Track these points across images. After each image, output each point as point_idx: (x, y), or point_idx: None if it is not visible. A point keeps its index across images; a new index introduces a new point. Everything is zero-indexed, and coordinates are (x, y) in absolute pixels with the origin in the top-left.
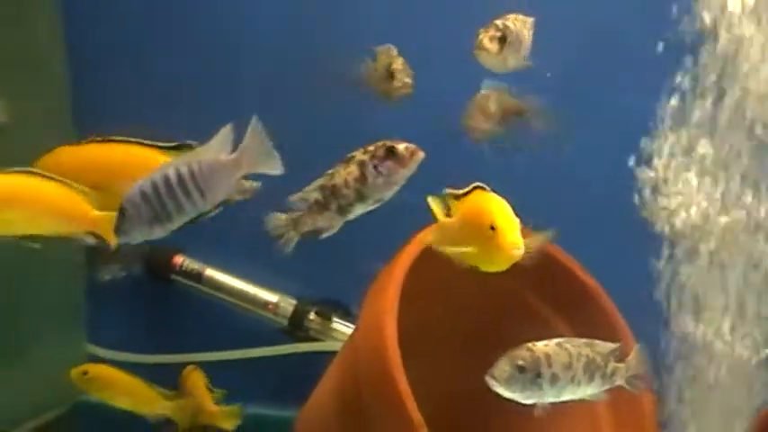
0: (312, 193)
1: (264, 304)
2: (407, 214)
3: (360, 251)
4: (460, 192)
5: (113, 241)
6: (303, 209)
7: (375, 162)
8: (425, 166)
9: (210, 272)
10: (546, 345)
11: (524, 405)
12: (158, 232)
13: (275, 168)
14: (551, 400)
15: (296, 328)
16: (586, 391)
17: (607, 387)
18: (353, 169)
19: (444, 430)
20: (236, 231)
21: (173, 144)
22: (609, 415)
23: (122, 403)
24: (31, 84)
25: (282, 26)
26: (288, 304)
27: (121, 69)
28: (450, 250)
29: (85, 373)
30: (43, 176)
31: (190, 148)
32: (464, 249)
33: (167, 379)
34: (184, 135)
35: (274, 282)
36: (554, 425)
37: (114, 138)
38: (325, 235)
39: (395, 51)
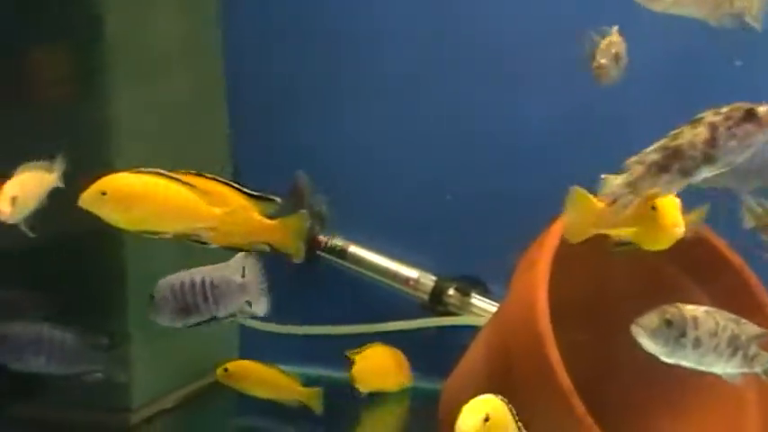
0: (651, 154)
1: (406, 280)
2: (545, 198)
3: (498, 231)
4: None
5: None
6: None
7: (730, 124)
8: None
9: (354, 248)
10: (695, 308)
11: (667, 385)
12: (178, 322)
13: (261, 309)
14: (690, 364)
15: (436, 302)
16: (726, 366)
17: (746, 370)
18: (702, 131)
19: (587, 405)
20: (379, 211)
21: (257, 194)
22: (758, 405)
23: (263, 393)
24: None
25: None
26: (428, 280)
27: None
28: (614, 231)
29: (226, 369)
30: (169, 177)
31: (271, 201)
32: (627, 230)
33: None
34: None
35: (415, 259)
36: (700, 406)
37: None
38: None
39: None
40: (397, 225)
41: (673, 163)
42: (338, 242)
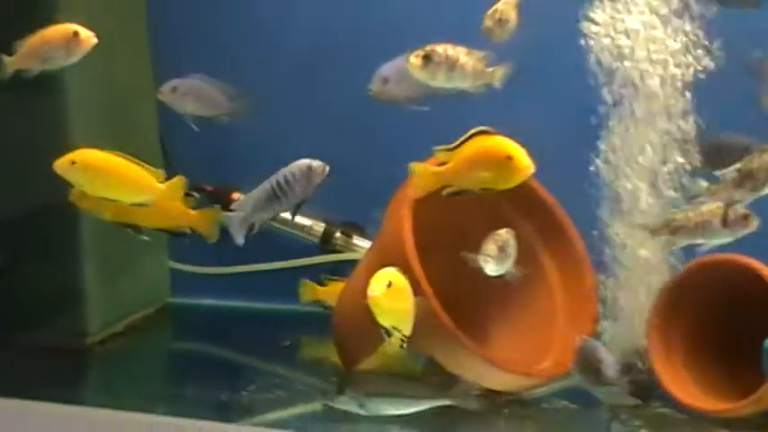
0: (731, 174)
1: (301, 227)
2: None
3: (372, 185)
4: (457, 142)
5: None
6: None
7: None
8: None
9: None
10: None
11: (501, 298)
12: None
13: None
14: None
15: (325, 243)
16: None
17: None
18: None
19: (444, 309)
20: None
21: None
22: (560, 287)
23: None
24: None
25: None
26: (319, 227)
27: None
28: (468, 180)
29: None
30: (124, 156)
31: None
32: (480, 178)
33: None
34: None
35: (308, 211)
36: (523, 315)
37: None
38: None
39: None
40: None
41: (746, 182)
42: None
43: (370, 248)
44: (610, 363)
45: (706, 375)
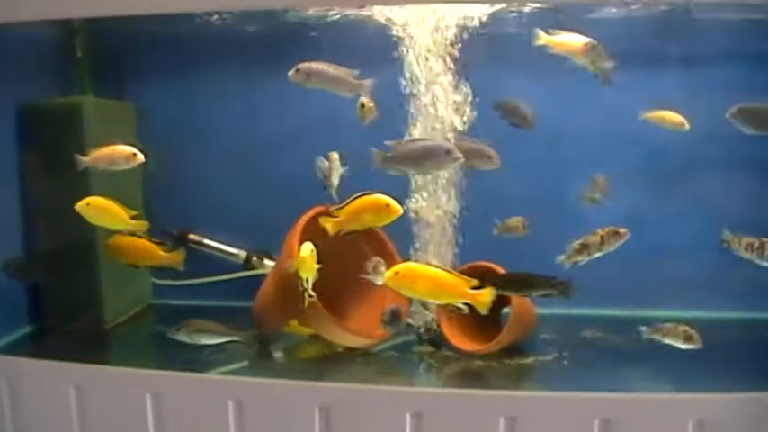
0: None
1: (230, 253)
2: (301, 209)
3: (276, 226)
4: (346, 202)
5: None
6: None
7: None
8: None
9: (207, 241)
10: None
11: (356, 288)
12: None
13: None
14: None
15: (247, 263)
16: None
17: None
18: None
19: (326, 300)
20: (224, 221)
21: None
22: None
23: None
24: None
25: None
26: (242, 252)
27: None
28: (358, 223)
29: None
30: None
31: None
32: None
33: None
34: None
35: (237, 242)
36: (366, 300)
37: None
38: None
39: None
40: (226, 225)
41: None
42: (197, 236)
43: (276, 263)
44: (400, 313)
45: (471, 330)
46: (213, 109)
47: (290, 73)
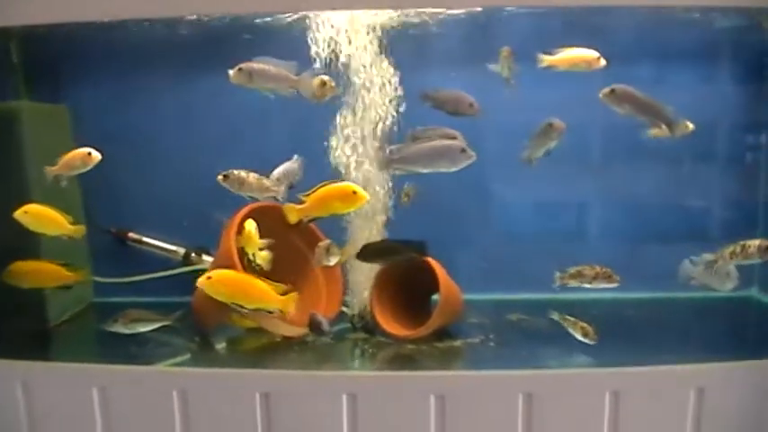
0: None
1: (169, 250)
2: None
3: (215, 223)
4: (312, 190)
5: None
6: None
7: None
8: None
9: (147, 239)
10: None
11: (300, 270)
12: None
13: None
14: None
15: (186, 259)
16: None
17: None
18: None
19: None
20: (162, 220)
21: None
22: (322, 276)
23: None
24: None
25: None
26: (181, 249)
27: None
28: (323, 210)
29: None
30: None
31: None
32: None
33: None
34: None
35: (175, 239)
36: (304, 281)
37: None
38: None
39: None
40: (164, 224)
41: None
42: (136, 235)
43: (215, 257)
44: (323, 322)
45: (402, 317)
46: (147, 111)
47: (232, 73)
